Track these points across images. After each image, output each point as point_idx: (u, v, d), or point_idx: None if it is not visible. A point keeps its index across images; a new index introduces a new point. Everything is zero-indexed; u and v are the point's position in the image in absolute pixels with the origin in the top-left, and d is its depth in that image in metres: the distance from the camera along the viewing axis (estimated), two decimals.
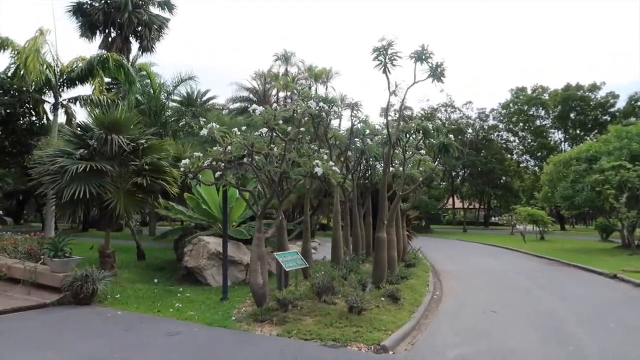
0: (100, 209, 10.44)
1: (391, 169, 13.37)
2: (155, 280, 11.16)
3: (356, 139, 12.49)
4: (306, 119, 10.13)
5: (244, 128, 8.16)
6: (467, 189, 51.23)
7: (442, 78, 9.12)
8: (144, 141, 10.86)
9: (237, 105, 37.45)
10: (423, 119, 11.24)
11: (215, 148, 8.69)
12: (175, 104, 25.63)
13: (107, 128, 10.31)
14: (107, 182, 10.08)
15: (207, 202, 12.52)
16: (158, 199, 11.44)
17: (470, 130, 48.38)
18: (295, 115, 8.27)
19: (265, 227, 9.52)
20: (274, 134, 8.01)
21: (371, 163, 13.24)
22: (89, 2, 29.14)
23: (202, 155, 8.63)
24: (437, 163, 12.59)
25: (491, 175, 46.03)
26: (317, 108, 9.42)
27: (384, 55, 8.77)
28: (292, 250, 9.97)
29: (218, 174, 8.33)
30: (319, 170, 8.11)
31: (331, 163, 8.47)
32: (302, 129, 10.14)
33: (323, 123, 10.74)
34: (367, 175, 14.63)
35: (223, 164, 8.46)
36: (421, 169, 13.02)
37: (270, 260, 10.27)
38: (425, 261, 16.68)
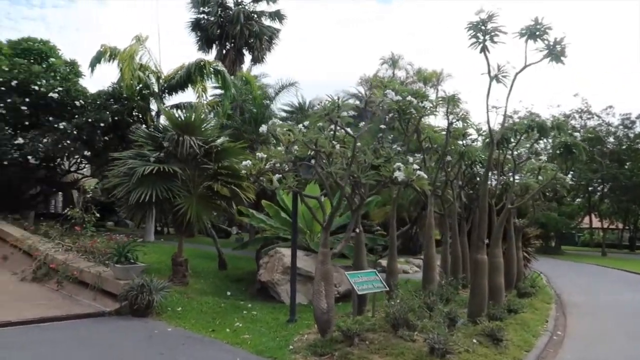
0: (172, 213, 9.93)
1: (501, 177, 11.23)
2: (228, 293, 10.38)
3: (460, 142, 10.62)
4: (390, 114, 8.67)
5: (306, 123, 6.93)
6: (607, 206, 44.49)
7: (562, 57, 7.04)
8: (218, 143, 10.19)
9: (343, 113, 36.54)
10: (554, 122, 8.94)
11: (278, 148, 7.62)
12: (284, 113, 25.48)
13: (181, 129, 9.81)
14: (177, 185, 9.52)
15: (288, 210, 11.52)
16: (231, 205, 10.70)
17: (611, 139, 42.08)
18: (367, 107, 6.83)
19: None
20: (340, 129, 6.68)
21: (476, 169, 11.19)
22: (206, 17, 30.53)
23: (264, 156, 7.58)
24: (567, 172, 10.21)
25: (638, 191, 39.38)
26: (401, 100, 7.85)
27: (482, 31, 6.97)
28: (369, 270, 8.48)
29: (277, 176, 7.19)
30: (399, 175, 6.62)
31: (415, 166, 6.87)
32: (383, 126, 8.70)
33: (413, 120, 9.12)
34: (474, 184, 12.52)
35: (286, 166, 7.36)
36: (540, 177, 10.70)
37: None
38: (548, 289, 13.95)
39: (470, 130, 10.25)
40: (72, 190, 22.78)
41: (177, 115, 11.27)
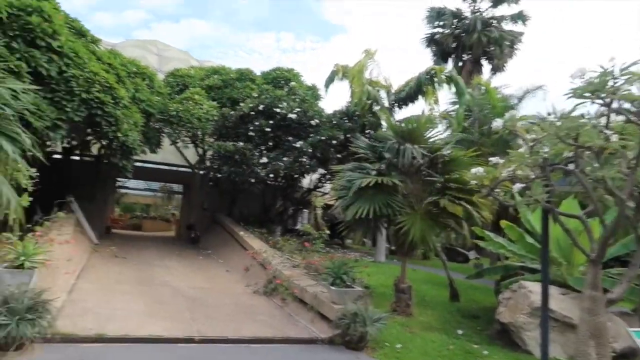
0: (393, 232, 8.82)
1: None
2: (459, 331, 8.63)
3: None
4: None
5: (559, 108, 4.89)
6: None
7: None
8: (447, 152, 8.69)
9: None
10: None
11: (520, 150, 5.73)
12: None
13: (402, 137, 8.70)
14: (398, 200, 8.37)
15: (536, 233, 9.16)
16: (462, 224, 8.94)
17: None
18: None
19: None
20: (613, 115, 4.46)
21: None
22: (440, 31, 29.45)
23: (500, 161, 5.81)
24: None
25: None
26: None
27: None
28: None
29: (517, 186, 5.31)
30: None
31: None
32: None
33: None
34: None
35: (531, 172, 5.43)
36: None
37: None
38: None
39: None
40: (315, 207, 24.24)
41: (399, 123, 10.21)
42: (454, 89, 15.50)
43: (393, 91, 16.15)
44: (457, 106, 21.15)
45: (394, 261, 17.91)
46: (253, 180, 15.22)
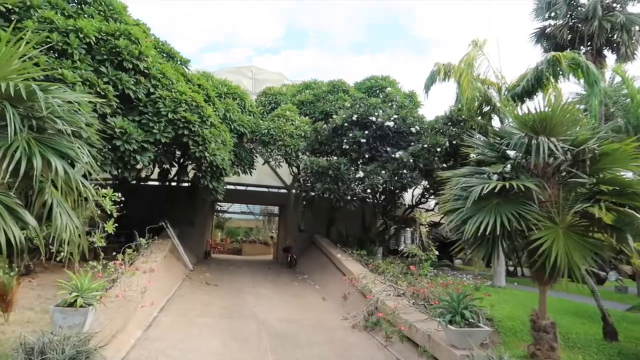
0: (528, 252, 6.81)
1: None
2: None
3: None
4: None
5: None
6: None
7: None
8: (595, 146, 6.57)
9: None
10: None
11: None
12: None
13: (532, 129, 6.75)
14: (532, 210, 6.38)
15: None
16: (625, 238, 6.66)
17: None
18: None
19: None
20: None
21: None
22: (552, 24, 26.27)
23: None
24: None
25: None
26: None
27: None
28: None
29: None
30: None
31: None
32: None
33: None
34: None
35: None
36: None
37: None
38: None
39: None
40: (419, 225, 22.19)
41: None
42: (581, 79, 12.91)
43: (505, 87, 13.94)
44: (584, 97, 18.27)
45: (514, 284, 15.43)
46: (349, 198, 13.81)
